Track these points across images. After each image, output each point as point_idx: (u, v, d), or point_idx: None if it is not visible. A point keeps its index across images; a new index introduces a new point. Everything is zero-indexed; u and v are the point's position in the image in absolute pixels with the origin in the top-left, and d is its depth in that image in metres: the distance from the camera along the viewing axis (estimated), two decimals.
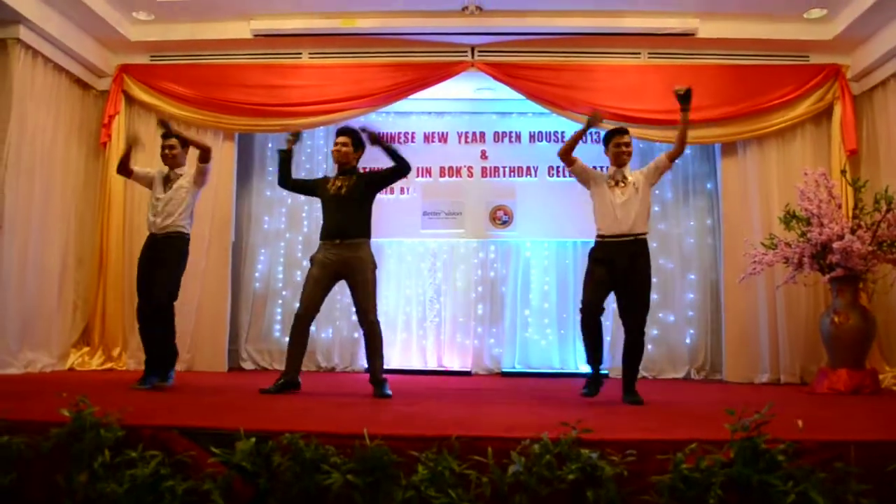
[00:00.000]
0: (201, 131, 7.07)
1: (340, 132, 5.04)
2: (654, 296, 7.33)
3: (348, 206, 4.88)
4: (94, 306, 6.86)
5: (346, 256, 4.82)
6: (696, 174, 7.54)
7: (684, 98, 4.60)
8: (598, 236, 4.71)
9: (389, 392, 4.62)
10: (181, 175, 5.23)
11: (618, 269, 4.56)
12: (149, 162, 7.04)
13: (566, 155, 4.78)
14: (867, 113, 6.73)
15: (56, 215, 6.51)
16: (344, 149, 4.97)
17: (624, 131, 4.84)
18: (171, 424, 2.74)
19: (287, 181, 5.16)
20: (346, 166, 5.02)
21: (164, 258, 4.98)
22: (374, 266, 4.92)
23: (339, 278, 4.95)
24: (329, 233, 4.90)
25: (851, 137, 6.55)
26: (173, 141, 5.21)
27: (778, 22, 6.63)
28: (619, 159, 4.76)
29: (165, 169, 5.27)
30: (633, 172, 4.77)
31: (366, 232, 4.97)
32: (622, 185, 4.67)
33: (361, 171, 5.18)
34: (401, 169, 4.86)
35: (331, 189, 4.96)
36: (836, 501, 2.26)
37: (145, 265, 5.01)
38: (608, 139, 4.80)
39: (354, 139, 4.99)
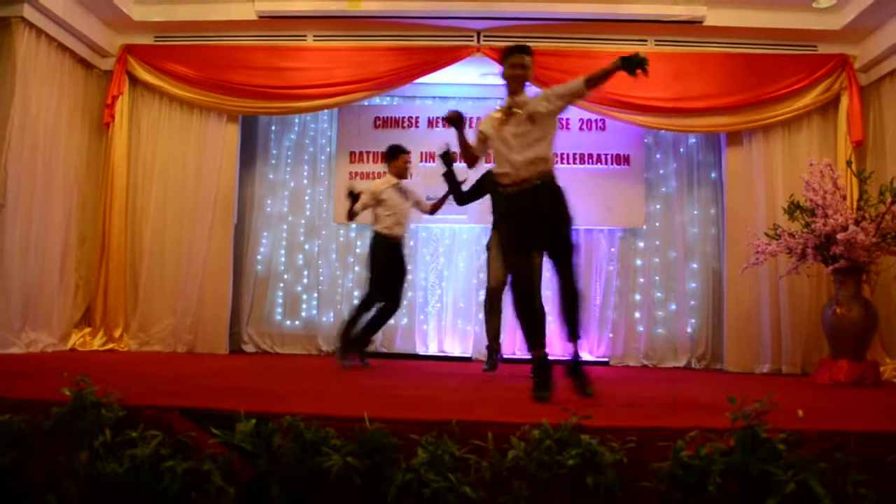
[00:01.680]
0: (204, 112, 7.05)
1: None
2: (657, 285, 7.44)
3: None
4: (95, 287, 6.86)
5: None
6: (701, 163, 7.51)
7: (630, 63, 3.95)
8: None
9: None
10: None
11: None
12: (154, 145, 7.09)
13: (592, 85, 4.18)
14: (874, 104, 6.68)
15: (58, 195, 6.51)
16: None
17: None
18: (171, 405, 2.75)
19: (464, 198, 5.11)
20: None
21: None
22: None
23: None
24: None
25: (858, 128, 6.51)
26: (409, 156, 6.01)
27: (786, 11, 6.58)
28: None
29: (396, 181, 5.92)
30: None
31: None
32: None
33: None
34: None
35: None
36: (835, 491, 2.26)
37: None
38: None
39: None
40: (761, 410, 2.40)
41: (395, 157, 5.92)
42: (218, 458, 2.44)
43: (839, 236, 5.44)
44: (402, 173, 5.95)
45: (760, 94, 6.73)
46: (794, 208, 5.95)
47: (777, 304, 6.61)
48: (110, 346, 6.72)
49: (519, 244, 3.86)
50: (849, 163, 6.27)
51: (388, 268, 5.70)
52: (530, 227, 3.79)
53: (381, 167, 7.48)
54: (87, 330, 6.77)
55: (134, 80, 7.09)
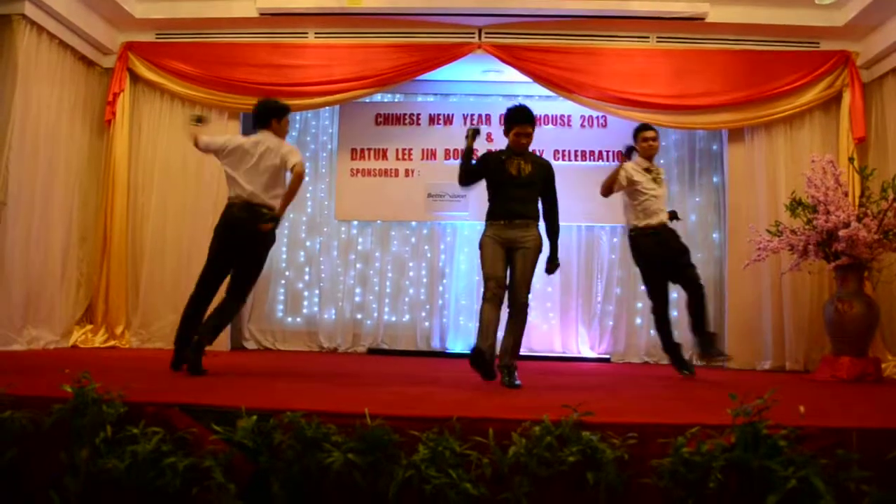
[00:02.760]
0: (205, 109, 7.05)
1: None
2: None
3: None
4: (97, 284, 6.87)
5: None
6: (703, 160, 7.50)
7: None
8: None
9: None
10: None
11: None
12: (155, 143, 7.09)
13: (608, 193, 5.40)
14: (877, 101, 6.67)
15: (60, 192, 6.51)
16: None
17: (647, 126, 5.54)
18: (172, 401, 2.75)
19: (471, 178, 4.71)
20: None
21: None
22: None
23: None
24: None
25: (860, 125, 6.50)
26: None
27: (788, 7, 6.57)
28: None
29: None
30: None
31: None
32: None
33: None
34: None
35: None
36: (836, 488, 2.25)
37: None
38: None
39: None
40: (762, 407, 2.40)
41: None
42: (219, 455, 2.44)
43: (841, 233, 5.43)
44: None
45: (763, 91, 6.72)
46: (795, 205, 5.94)
47: (779, 301, 6.60)
48: (112, 343, 6.72)
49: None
50: (851, 159, 6.26)
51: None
52: None
53: (382, 164, 7.51)
54: (89, 327, 6.78)
55: (135, 78, 7.09)
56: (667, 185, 5.52)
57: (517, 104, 4.57)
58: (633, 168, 5.36)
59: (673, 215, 5.47)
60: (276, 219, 4.56)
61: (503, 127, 4.63)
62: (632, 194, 5.37)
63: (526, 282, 4.35)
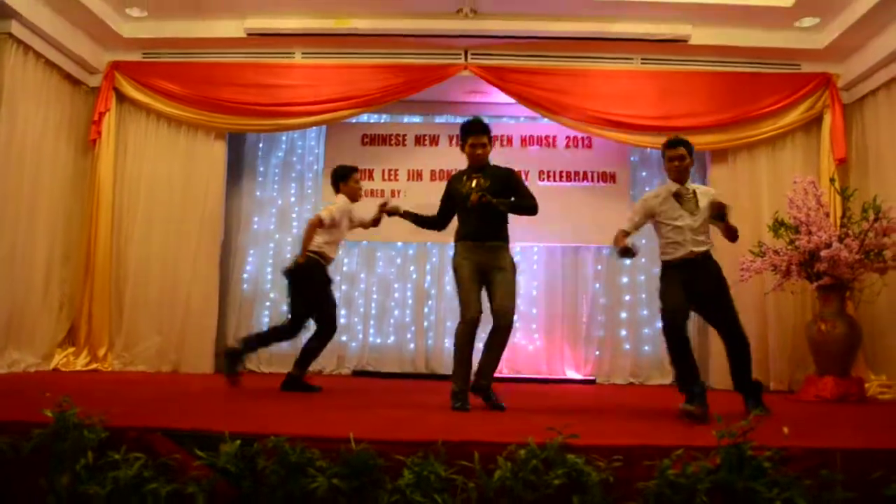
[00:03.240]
0: (192, 129, 7.04)
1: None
2: (643, 303, 7.45)
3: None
4: (80, 306, 6.80)
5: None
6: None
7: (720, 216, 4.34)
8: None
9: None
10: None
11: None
12: (140, 162, 7.07)
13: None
14: (857, 122, 6.76)
15: (44, 211, 6.46)
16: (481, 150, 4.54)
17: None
18: (155, 426, 2.72)
19: (439, 223, 4.71)
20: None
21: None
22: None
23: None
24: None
25: (841, 146, 6.57)
26: None
27: (770, 30, 6.65)
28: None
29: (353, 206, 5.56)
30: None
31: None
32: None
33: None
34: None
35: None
36: None
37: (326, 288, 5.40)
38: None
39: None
40: (747, 428, 2.40)
41: (347, 178, 5.52)
42: (202, 481, 2.41)
43: (823, 253, 5.48)
44: (354, 195, 5.57)
45: (745, 112, 6.79)
46: (778, 225, 6.00)
47: (763, 321, 6.62)
48: (94, 365, 6.64)
49: None
50: (832, 180, 6.33)
51: (325, 290, 5.38)
52: None
53: (368, 184, 7.48)
54: (71, 349, 6.69)
55: (121, 97, 7.08)
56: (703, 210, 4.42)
57: (470, 118, 4.56)
58: (653, 197, 4.49)
59: (624, 253, 4.31)
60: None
61: (459, 145, 4.61)
62: (656, 227, 4.52)
63: (510, 301, 4.28)
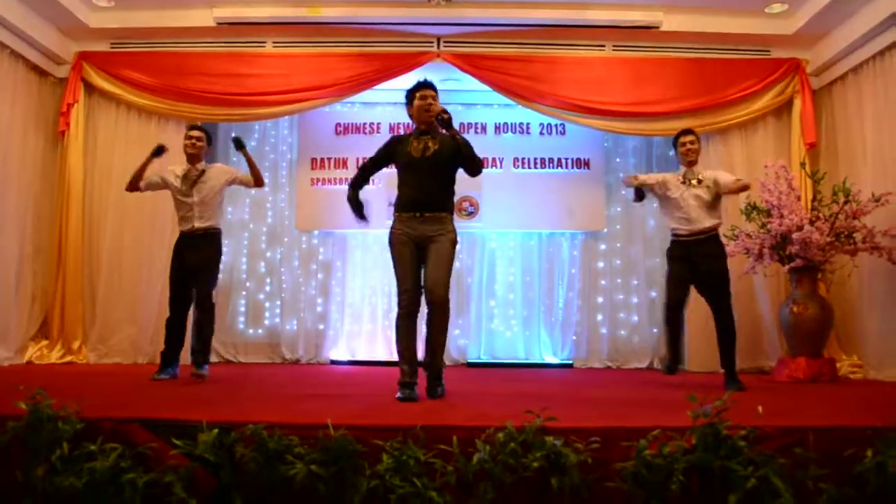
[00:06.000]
0: (162, 120, 6.96)
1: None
2: (619, 287, 7.51)
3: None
4: (52, 299, 6.71)
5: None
6: (660, 166, 7.57)
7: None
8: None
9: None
10: (204, 171, 5.29)
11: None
12: (111, 153, 6.96)
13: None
14: (826, 107, 6.85)
15: (13, 205, 6.36)
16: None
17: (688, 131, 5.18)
18: (131, 416, 2.70)
19: (359, 181, 4.38)
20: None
21: (207, 255, 5.23)
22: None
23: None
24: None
25: (811, 131, 6.66)
26: (199, 133, 5.29)
27: (740, 16, 6.71)
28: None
29: (182, 167, 5.29)
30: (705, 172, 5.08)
31: None
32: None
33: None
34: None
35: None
36: (795, 486, 2.30)
37: (185, 262, 5.18)
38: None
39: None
40: (722, 408, 2.44)
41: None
42: (180, 470, 2.40)
43: (794, 236, 5.56)
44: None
45: (717, 98, 6.85)
46: (750, 209, 6.07)
47: (737, 304, 6.67)
48: (68, 358, 6.57)
49: None
50: (802, 164, 6.41)
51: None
52: None
53: (343, 173, 7.45)
54: (45, 342, 6.62)
55: (90, 88, 6.96)
56: (707, 192, 4.96)
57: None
58: (672, 175, 5.13)
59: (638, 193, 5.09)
60: None
61: (406, 109, 4.30)
62: (662, 204, 5.19)
63: (443, 277, 3.90)
